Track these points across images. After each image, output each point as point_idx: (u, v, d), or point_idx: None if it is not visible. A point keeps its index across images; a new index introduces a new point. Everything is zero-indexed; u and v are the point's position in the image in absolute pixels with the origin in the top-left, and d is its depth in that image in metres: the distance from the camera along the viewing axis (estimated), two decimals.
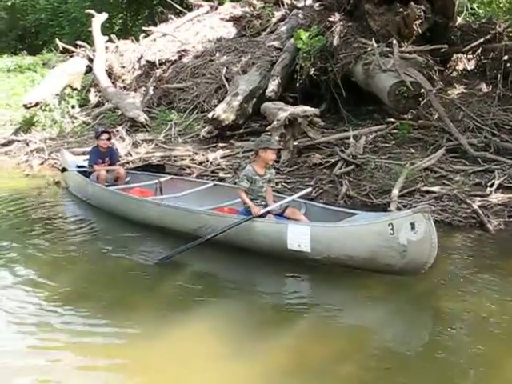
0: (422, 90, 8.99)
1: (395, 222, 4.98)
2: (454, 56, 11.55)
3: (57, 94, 13.00)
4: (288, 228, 5.56)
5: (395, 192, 7.19)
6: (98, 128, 8.58)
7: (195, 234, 6.02)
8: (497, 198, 7.05)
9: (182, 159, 9.54)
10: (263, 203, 6.13)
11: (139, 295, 5.11)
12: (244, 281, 5.56)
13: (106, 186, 7.74)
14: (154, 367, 3.96)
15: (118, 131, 10.92)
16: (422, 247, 4.91)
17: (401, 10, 9.72)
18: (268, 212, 5.98)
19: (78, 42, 15.54)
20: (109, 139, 8.25)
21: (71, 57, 15.12)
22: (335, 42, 10.07)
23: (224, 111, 9.97)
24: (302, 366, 4.03)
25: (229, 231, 5.75)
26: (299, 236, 5.44)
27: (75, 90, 13.77)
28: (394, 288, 5.23)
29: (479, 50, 10.89)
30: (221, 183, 8.00)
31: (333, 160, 8.50)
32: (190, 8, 16.12)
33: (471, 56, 11.44)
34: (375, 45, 9.44)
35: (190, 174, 8.96)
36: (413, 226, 4.87)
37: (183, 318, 4.62)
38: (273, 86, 10.15)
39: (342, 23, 10.29)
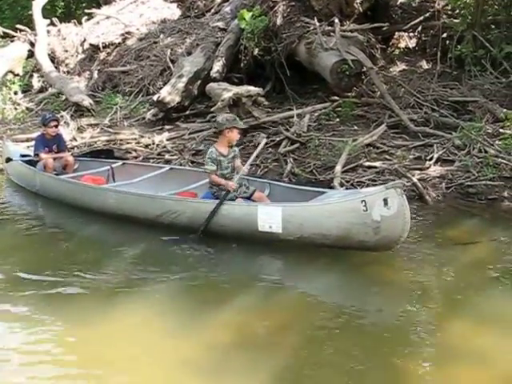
0: (364, 68, 9.16)
1: (368, 199, 5.01)
2: (396, 34, 11.77)
3: None
4: (258, 209, 5.53)
5: (338, 168, 7.34)
6: (45, 115, 8.25)
7: (158, 221, 5.99)
8: (435, 170, 7.28)
9: (128, 142, 9.48)
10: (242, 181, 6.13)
11: (83, 280, 5.07)
12: (185, 262, 5.53)
13: (55, 174, 7.49)
14: (98, 347, 4.00)
15: (62, 116, 10.73)
16: (396, 222, 4.96)
17: None
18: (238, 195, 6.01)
19: (19, 26, 15.10)
20: (56, 126, 7.94)
21: (12, 41, 14.73)
22: (278, 22, 10.10)
23: (169, 93, 9.93)
24: (245, 339, 4.14)
25: (196, 216, 5.73)
26: (270, 217, 5.42)
27: (17, 75, 13.43)
28: (336, 259, 5.36)
29: (419, 28, 11.11)
30: (177, 167, 7.88)
31: (277, 139, 8.57)
32: None
33: (412, 34, 11.68)
34: (317, 24, 9.53)
35: (136, 157, 8.94)
36: (386, 201, 4.91)
37: (128, 301, 4.66)
38: (217, 66, 10.15)
39: (284, 3, 10.30)
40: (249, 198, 6.07)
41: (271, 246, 5.54)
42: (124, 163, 7.91)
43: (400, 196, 4.90)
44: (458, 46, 9.84)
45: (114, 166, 7.62)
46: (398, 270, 5.31)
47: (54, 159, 7.70)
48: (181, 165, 8.23)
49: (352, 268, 5.30)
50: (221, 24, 11.57)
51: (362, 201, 5.01)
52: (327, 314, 4.48)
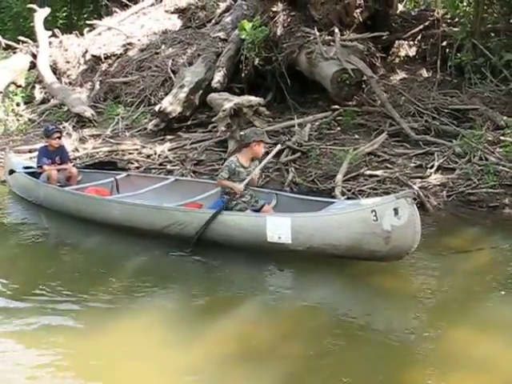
0: (364, 77, 9.20)
1: (378, 209, 4.99)
2: (396, 43, 11.82)
3: (0, 92, 12.73)
4: (267, 220, 5.50)
5: (339, 177, 7.38)
6: (48, 126, 8.22)
7: (164, 232, 5.97)
8: (436, 178, 7.32)
9: (130, 153, 9.52)
10: (248, 197, 6.05)
11: (87, 290, 5.08)
12: (187, 272, 5.57)
13: (59, 186, 7.43)
14: (100, 358, 4.00)
15: (64, 127, 10.78)
16: (406, 232, 4.94)
17: None
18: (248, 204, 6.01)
19: (21, 38, 15.19)
20: (60, 138, 7.93)
21: (14, 53, 14.82)
22: (279, 32, 10.17)
23: (170, 103, 9.98)
24: (248, 349, 4.13)
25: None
26: (279, 228, 5.39)
27: (19, 86, 13.50)
28: (340, 269, 5.37)
29: (419, 37, 11.17)
30: (182, 178, 7.84)
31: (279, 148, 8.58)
32: (135, 1, 15.97)
33: (412, 42, 11.74)
34: (317, 33, 9.59)
35: (137, 168, 8.97)
36: (396, 211, 4.89)
37: (131, 310, 4.68)
38: (218, 76, 10.20)
39: (284, 13, 10.37)
40: (258, 212, 6.01)
41: (278, 257, 5.54)
42: (128, 174, 7.89)
43: (410, 205, 4.89)
44: (458, 54, 9.96)
45: (118, 177, 7.60)
46: (401, 278, 5.32)
47: (58, 171, 7.66)
48: (183, 175, 8.26)
49: (355, 277, 5.31)
50: (222, 34, 11.64)
51: (373, 210, 5.00)
52: (330, 324, 4.49)
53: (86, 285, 5.15)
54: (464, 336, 4.24)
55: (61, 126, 10.29)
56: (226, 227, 5.63)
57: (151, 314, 4.62)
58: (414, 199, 5.03)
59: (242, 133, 6.35)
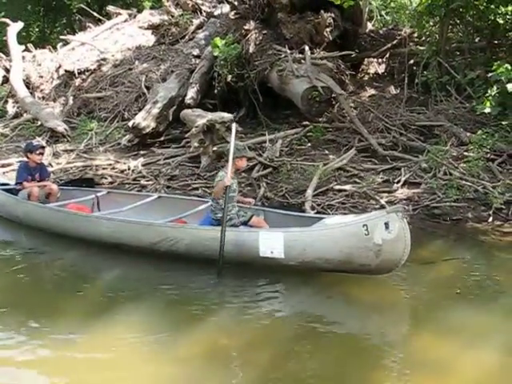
0: (334, 94, 9.45)
1: (369, 223, 5.07)
2: (366, 60, 12.12)
3: None
4: (259, 235, 5.53)
5: (309, 192, 7.58)
6: (31, 142, 8.11)
7: (153, 249, 5.96)
8: (402, 193, 7.56)
9: (104, 168, 9.61)
10: (235, 209, 6.12)
11: (67, 302, 5.18)
12: (165, 282, 5.64)
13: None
14: (81, 367, 4.10)
15: (38, 141, 10.82)
16: (397, 246, 5.04)
17: (312, 18, 10.17)
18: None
19: None
20: (42, 154, 7.82)
21: None
22: (251, 50, 10.36)
23: (144, 119, 10.11)
24: (216, 355, 4.26)
25: (195, 243, 5.71)
26: (271, 243, 5.43)
27: None
28: (307, 278, 5.51)
29: (387, 55, 11.48)
30: (165, 195, 7.84)
31: (250, 164, 8.77)
32: (108, 16, 16.10)
33: (381, 60, 12.05)
34: (288, 52, 9.82)
35: (111, 183, 9.07)
36: (387, 225, 4.98)
37: (110, 321, 4.75)
38: (191, 93, 10.38)
39: (256, 31, 10.59)
40: (247, 223, 6.09)
41: (265, 269, 5.59)
42: (109, 192, 7.83)
43: (401, 220, 5.00)
44: (425, 72, 10.23)
45: (98, 194, 7.54)
46: (368, 288, 5.43)
47: (38, 187, 7.50)
48: (156, 190, 8.38)
49: (321, 287, 5.46)
50: (195, 51, 11.83)
51: (364, 225, 5.08)
52: (303, 332, 4.62)
53: (62, 299, 5.24)
54: (426, 341, 4.42)
55: (34, 141, 10.34)
56: (217, 243, 5.55)
57: (127, 326, 4.69)
58: (404, 214, 5.16)
59: (227, 146, 6.35)
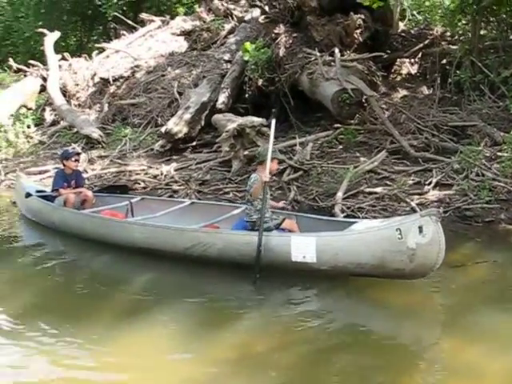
0: (365, 96, 9.40)
1: (403, 227, 5.02)
2: (398, 61, 11.99)
3: (11, 115, 13.07)
4: (292, 240, 5.52)
5: (339, 195, 7.56)
6: (67, 150, 8.22)
7: (186, 254, 5.98)
8: (433, 195, 7.47)
9: (137, 173, 9.76)
10: (269, 212, 6.09)
11: (99, 305, 5.29)
12: (198, 287, 5.72)
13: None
14: (111, 369, 4.20)
15: (73, 148, 11.06)
16: (431, 250, 4.97)
17: (341, 20, 10.14)
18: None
19: (31, 61, 15.59)
20: (78, 161, 7.92)
21: (25, 76, 15.19)
22: (281, 53, 10.39)
23: (176, 125, 10.24)
24: (246, 358, 4.31)
25: (227, 248, 5.73)
26: (304, 247, 5.42)
27: (30, 109, 13.86)
28: (338, 283, 5.48)
29: (419, 55, 11.35)
30: (198, 201, 7.89)
31: (281, 167, 8.78)
32: (142, 23, 16.34)
33: (414, 61, 11.92)
34: (318, 54, 9.81)
35: (144, 188, 9.20)
36: (421, 229, 4.92)
37: (141, 323, 4.85)
38: (223, 98, 10.46)
39: (286, 34, 10.61)
40: (279, 225, 6.06)
41: (293, 273, 5.59)
42: (143, 198, 7.90)
43: (435, 223, 4.92)
44: (458, 72, 10.07)
45: (132, 200, 7.59)
46: (397, 292, 5.40)
47: (74, 194, 7.58)
48: (187, 195, 8.47)
49: (354, 291, 5.42)
50: (226, 56, 11.93)
51: (397, 229, 5.03)
52: (329, 335, 4.62)
53: (91, 302, 5.35)
54: (458, 346, 4.37)
55: (70, 148, 10.58)
56: (252, 248, 5.57)
57: (159, 328, 4.79)
58: (439, 217, 5.03)
59: (259, 149, 6.38)
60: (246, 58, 10.58)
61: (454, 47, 10.68)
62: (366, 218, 7.12)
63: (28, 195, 7.87)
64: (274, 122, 6.11)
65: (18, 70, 16.21)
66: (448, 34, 11.34)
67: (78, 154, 8.21)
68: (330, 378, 4.01)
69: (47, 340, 4.59)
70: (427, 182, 7.79)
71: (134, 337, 4.63)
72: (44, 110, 13.91)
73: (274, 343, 4.54)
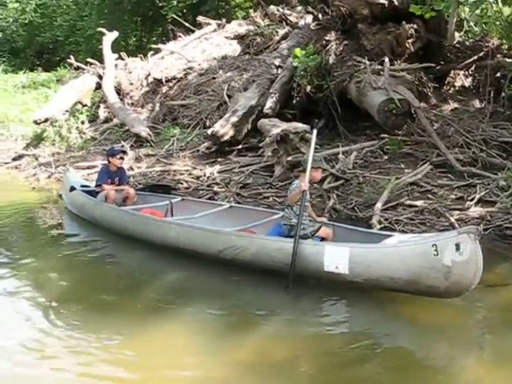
0: (413, 107, 9.27)
1: (439, 243, 4.90)
2: (452, 73, 11.77)
3: (67, 110, 13.47)
4: (325, 249, 5.48)
5: (378, 206, 7.47)
6: (114, 147, 8.44)
7: (220, 256, 6.04)
8: (475, 211, 7.26)
9: (181, 174, 9.89)
10: (307, 219, 6.10)
11: (127, 300, 5.43)
12: (220, 291, 5.77)
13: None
14: (131, 364, 4.29)
15: (123, 146, 11.29)
16: (467, 268, 4.82)
17: (393, 29, 10.04)
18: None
19: (89, 60, 16.02)
20: (123, 159, 8.13)
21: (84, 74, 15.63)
22: (331, 60, 10.35)
23: (223, 127, 10.32)
24: (263, 363, 4.33)
25: (260, 253, 5.74)
26: (337, 257, 5.36)
27: (85, 106, 14.24)
28: (370, 295, 5.43)
29: (473, 67, 11.11)
30: (237, 205, 7.93)
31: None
32: (200, 26, 16.55)
33: (468, 73, 11.67)
34: (367, 63, 9.73)
35: (187, 188, 9.30)
36: (458, 246, 4.79)
37: (169, 321, 4.95)
38: (270, 103, 10.48)
39: (337, 42, 10.58)
40: (315, 232, 6.02)
41: (325, 283, 5.56)
42: (183, 199, 8.00)
43: (473, 241, 4.76)
44: (511, 86, 9.80)
45: (173, 201, 7.69)
46: (429, 309, 5.28)
47: (116, 191, 7.80)
48: (226, 197, 8.53)
49: (385, 305, 5.34)
50: (277, 61, 11.95)
51: (433, 245, 4.91)
52: (356, 348, 4.55)
53: (123, 296, 5.53)
54: (488, 369, 4.27)
55: (119, 145, 10.81)
56: (285, 255, 5.57)
57: (183, 326, 4.88)
58: (478, 235, 4.85)
59: (304, 157, 6.38)
60: (295, 64, 10.57)
61: (510, 60, 10.41)
62: (403, 230, 7.03)
63: (72, 189, 8.12)
64: (315, 132, 6.18)
65: (78, 68, 16.67)
66: (504, 46, 11.05)
67: (124, 152, 8.38)
68: None
69: (70, 332, 4.72)
70: (470, 198, 7.61)
71: (155, 334, 4.71)
72: (98, 107, 14.28)
73: (295, 352, 4.54)
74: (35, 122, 12.91)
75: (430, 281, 4.98)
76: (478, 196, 7.57)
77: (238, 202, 8.47)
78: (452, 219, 7.00)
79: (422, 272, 4.99)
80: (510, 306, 5.38)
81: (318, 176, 6.24)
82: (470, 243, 4.76)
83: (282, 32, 13.82)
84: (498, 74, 10.49)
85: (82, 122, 13.65)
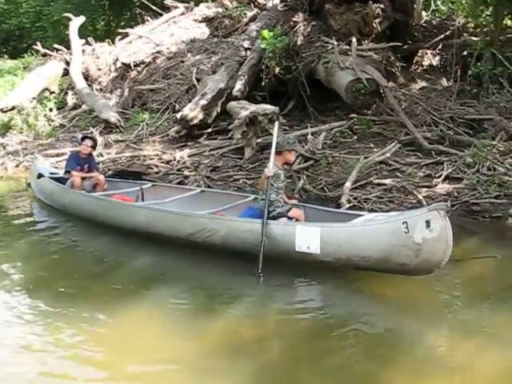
0: (381, 87, 9.31)
1: (410, 221, 4.86)
2: (420, 52, 11.85)
3: (34, 98, 13.26)
4: (296, 229, 5.42)
5: (347, 185, 7.51)
6: (84, 134, 8.44)
7: (190, 240, 5.96)
8: (442, 188, 7.35)
9: (151, 158, 9.83)
10: (281, 204, 6.03)
11: (96, 285, 5.38)
12: (190, 274, 5.78)
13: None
14: (101, 348, 4.27)
15: (91, 133, 11.19)
16: (438, 245, 4.81)
17: (360, 9, 10.05)
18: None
19: (56, 46, 15.77)
20: (92, 147, 8.01)
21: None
22: (299, 42, 10.35)
23: (192, 111, 10.26)
24: (233, 345, 4.32)
25: (231, 235, 5.68)
26: (308, 237, 5.30)
27: (53, 93, 14.04)
28: (335, 276, 5.42)
29: (440, 46, 11.19)
30: (208, 189, 7.88)
31: None
32: (167, 9, 16.36)
33: (436, 52, 11.76)
34: (335, 43, 9.74)
35: (157, 173, 9.25)
36: (428, 223, 4.75)
37: (138, 305, 4.92)
38: (239, 85, 10.44)
39: (305, 23, 10.56)
40: (287, 212, 6.02)
41: (296, 264, 5.53)
42: (154, 184, 7.93)
43: (443, 218, 4.75)
44: (478, 64, 9.89)
45: (143, 187, 7.63)
46: (395, 285, 5.31)
47: (85, 178, 7.75)
48: (196, 181, 8.51)
49: (354, 284, 5.36)
50: (246, 43, 11.88)
51: (404, 222, 4.87)
52: (321, 325, 4.60)
53: (88, 282, 5.47)
54: (452, 341, 4.37)
55: (88, 132, 10.71)
56: (256, 236, 5.50)
57: (150, 310, 4.84)
58: (447, 212, 4.84)
59: (278, 139, 6.29)
60: (263, 46, 10.52)
61: (476, 39, 10.50)
62: (373, 209, 7.08)
63: (40, 176, 8.00)
64: (277, 124, 6.20)
65: (45, 55, 16.40)
66: (470, 25, 11.15)
67: (93, 139, 8.25)
68: (320, 369, 3.98)
69: (40, 318, 4.68)
70: (437, 175, 7.69)
71: (124, 320, 4.67)
72: (66, 93, 14.10)
73: (266, 333, 4.55)
74: (1, 110, 12.73)
75: (400, 258, 4.96)
76: (445, 173, 7.65)
77: (209, 186, 8.45)
78: (420, 196, 7.08)
79: (393, 250, 4.96)
80: (477, 279, 5.45)
81: (292, 158, 6.25)
82: (440, 220, 4.75)
83: (250, 14, 13.73)
84: (465, 53, 10.61)
85: (50, 110, 13.47)
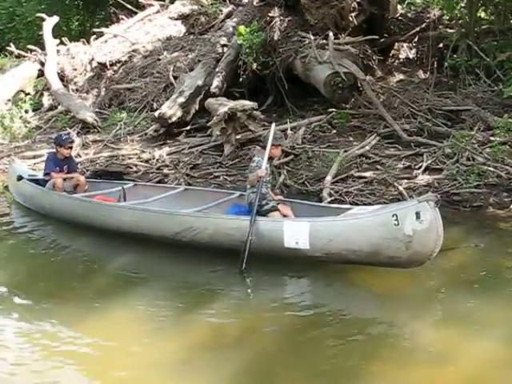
0: (359, 80, 9.32)
1: (399, 213, 4.83)
2: (396, 45, 11.90)
3: (9, 100, 13.07)
4: (284, 225, 5.37)
5: (328, 179, 7.53)
6: (61, 135, 8.10)
7: (176, 239, 5.90)
8: (422, 179, 7.42)
9: (130, 158, 9.73)
10: (272, 198, 6.04)
11: (79, 286, 5.37)
12: (174, 273, 5.76)
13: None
14: (87, 351, 4.20)
15: (69, 133, 11.03)
16: (428, 237, 4.79)
17: (336, 2, 10.05)
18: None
19: (30, 46, 15.55)
20: (71, 148, 7.87)
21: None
22: (276, 37, 10.32)
23: (170, 109, 10.17)
24: (217, 343, 4.32)
25: (218, 233, 5.60)
26: (297, 233, 5.26)
27: (28, 94, 13.83)
28: (323, 270, 5.42)
29: (416, 39, 11.25)
30: (192, 187, 7.79)
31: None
32: (142, 8, 16.21)
33: (412, 45, 11.81)
34: (312, 38, 9.73)
35: (136, 172, 9.17)
36: (418, 215, 4.73)
37: (120, 304, 4.88)
38: (217, 82, 10.37)
39: (281, 18, 10.54)
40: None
41: (286, 260, 5.51)
42: (136, 184, 7.83)
43: (433, 209, 4.73)
44: (454, 56, 9.96)
45: (125, 186, 7.51)
46: (380, 275, 5.31)
47: (65, 179, 7.56)
48: (176, 179, 8.45)
49: (338, 276, 5.36)
50: (222, 40, 11.81)
51: (394, 215, 4.84)
52: (302, 320, 4.60)
53: (72, 283, 5.45)
54: (435, 330, 4.41)
55: (65, 132, 10.53)
56: (243, 233, 5.43)
57: (133, 311, 4.81)
58: (437, 203, 4.81)
59: (264, 133, 6.27)
60: (239, 42, 10.47)
61: (451, 31, 10.58)
62: (354, 202, 7.10)
63: (20, 178, 7.77)
64: (273, 126, 6.19)
65: (19, 56, 16.15)
66: (445, 17, 11.21)
67: (72, 141, 8.12)
68: (301, 364, 3.98)
69: (22, 318, 4.65)
70: (417, 167, 7.73)
71: (108, 318, 4.64)
72: (42, 94, 13.83)
73: (250, 330, 4.51)
74: None
75: (391, 251, 4.94)
76: (425, 164, 7.72)
77: (189, 183, 8.40)
78: (401, 188, 7.12)
79: (384, 243, 4.93)
80: (460, 268, 5.50)
81: (278, 153, 6.29)
82: (430, 211, 4.72)
83: (226, 10, 13.63)
84: (441, 45, 10.69)
85: (26, 111, 13.24)
